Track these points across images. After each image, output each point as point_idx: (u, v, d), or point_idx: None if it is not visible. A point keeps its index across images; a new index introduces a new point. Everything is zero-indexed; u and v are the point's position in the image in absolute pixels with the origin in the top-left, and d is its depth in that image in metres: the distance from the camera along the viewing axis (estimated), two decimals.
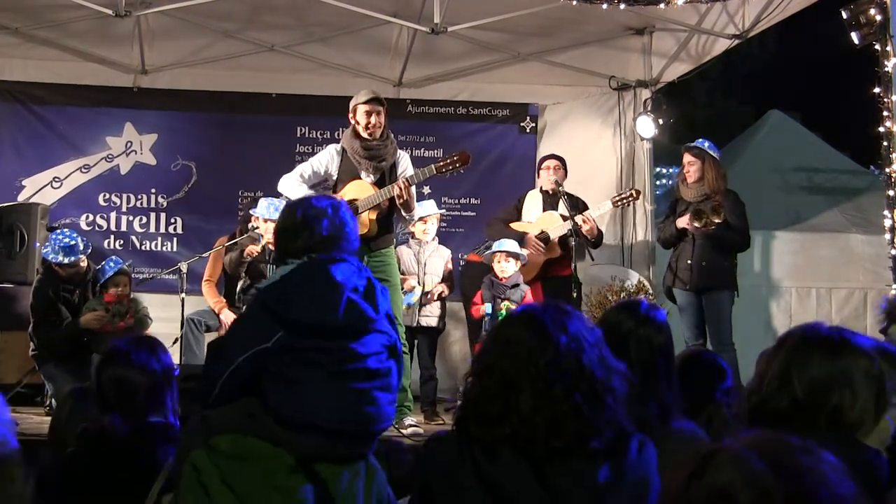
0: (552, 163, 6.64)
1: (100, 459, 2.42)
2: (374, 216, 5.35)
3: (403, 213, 5.44)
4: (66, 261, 5.96)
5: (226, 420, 2.31)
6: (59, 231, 6.25)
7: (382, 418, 2.43)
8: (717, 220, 5.91)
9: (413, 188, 5.37)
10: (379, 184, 5.43)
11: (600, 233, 6.53)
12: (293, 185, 5.47)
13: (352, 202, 5.31)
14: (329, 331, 2.35)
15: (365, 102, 5.41)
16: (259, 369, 2.35)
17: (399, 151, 5.58)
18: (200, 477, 2.20)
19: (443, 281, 6.34)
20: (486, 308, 6.10)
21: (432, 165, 5.41)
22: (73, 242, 6.00)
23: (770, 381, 1.97)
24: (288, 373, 2.32)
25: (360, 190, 5.40)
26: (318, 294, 2.39)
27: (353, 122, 5.48)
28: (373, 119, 5.38)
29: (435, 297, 6.25)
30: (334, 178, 5.52)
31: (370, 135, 5.40)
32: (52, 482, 2.52)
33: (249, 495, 2.18)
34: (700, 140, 6.33)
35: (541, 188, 6.71)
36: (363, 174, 5.45)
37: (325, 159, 5.57)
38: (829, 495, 1.09)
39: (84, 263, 6.13)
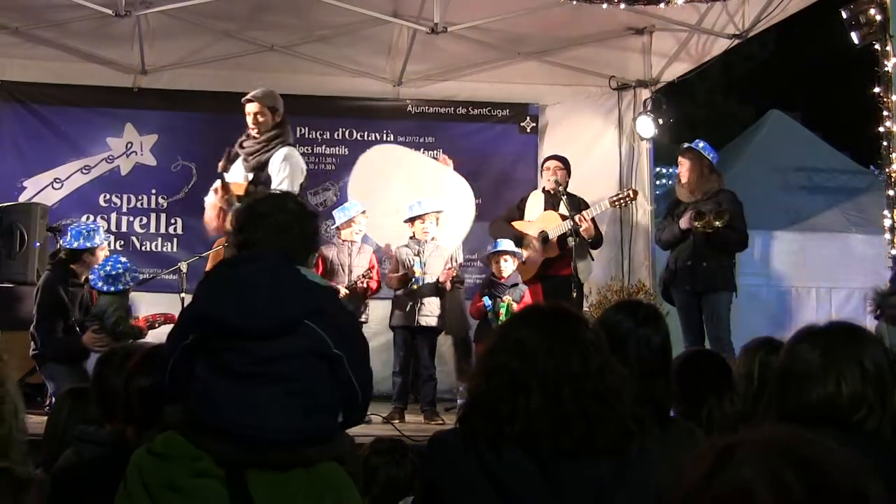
0: (552, 163, 6.66)
1: (123, 466, 2.41)
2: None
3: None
4: (96, 242, 6.03)
5: (170, 418, 2.28)
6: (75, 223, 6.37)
7: (302, 427, 2.24)
8: (717, 223, 5.90)
9: (278, 184, 5.28)
10: (254, 181, 5.40)
11: (599, 233, 6.53)
12: None
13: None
14: (230, 329, 2.25)
15: (244, 102, 5.48)
16: (186, 367, 2.30)
17: (281, 149, 5.41)
18: (127, 474, 2.19)
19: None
20: (486, 300, 6.10)
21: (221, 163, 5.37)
22: (93, 227, 6.16)
23: (820, 376, 1.99)
24: (202, 374, 2.26)
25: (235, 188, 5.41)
26: (222, 291, 2.32)
27: None
28: (249, 119, 5.44)
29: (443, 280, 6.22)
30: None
31: (254, 132, 5.44)
32: (71, 484, 2.51)
33: (157, 495, 2.15)
34: (696, 141, 6.37)
35: (543, 188, 6.73)
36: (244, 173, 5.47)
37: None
38: (853, 493, 1.08)
39: (104, 254, 6.17)
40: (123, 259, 6.12)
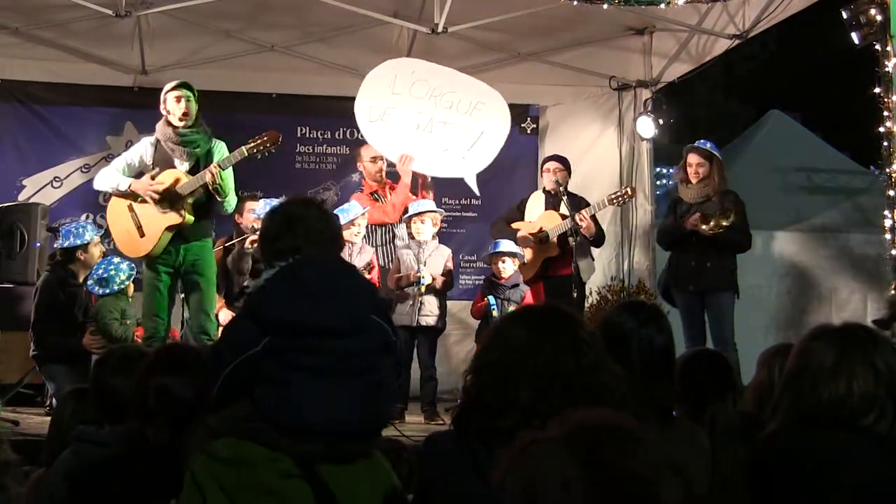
0: (552, 164, 6.66)
1: (143, 464, 2.42)
2: (189, 203, 5.38)
3: (218, 199, 5.39)
4: (86, 239, 6.10)
5: (225, 425, 2.31)
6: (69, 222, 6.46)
7: (376, 417, 2.42)
8: (724, 223, 5.87)
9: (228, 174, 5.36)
10: (193, 171, 5.43)
11: (601, 231, 6.53)
12: (110, 180, 5.55)
13: (170, 190, 5.37)
14: (311, 330, 2.32)
15: (173, 89, 5.47)
16: (252, 374, 2.34)
17: (215, 140, 5.52)
18: (198, 483, 2.20)
19: (442, 275, 6.27)
20: (490, 300, 6.10)
21: (243, 147, 5.36)
22: (83, 224, 6.27)
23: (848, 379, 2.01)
24: (277, 375, 2.30)
25: (174, 178, 5.41)
26: (297, 294, 2.37)
27: (164, 111, 5.52)
28: (182, 105, 5.43)
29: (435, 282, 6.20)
30: (150, 168, 5.52)
31: (181, 120, 5.44)
32: (87, 484, 2.51)
33: (245, 501, 2.17)
34: (702, 141, 6.31)
35: (544, 188, 6.73)
36: (177, 162, 5.47)
37: (140, 151, 5.62)
38: (639, 487, 1.08)
39: (98, 250, 6.21)
40: (117, 260, 6.15)
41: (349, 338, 2.34)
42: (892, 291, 5.36)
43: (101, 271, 6.03)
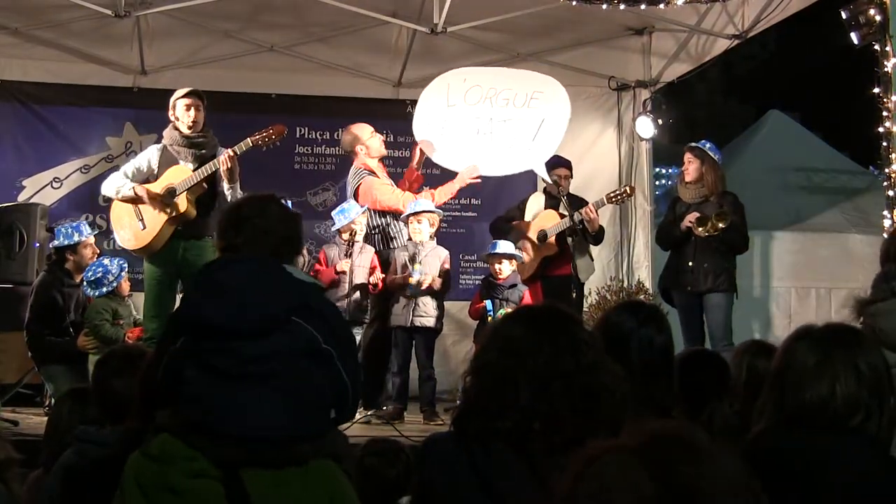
0: (562, 171, 6.64)
1: None
2: (192, 197, 5.41)
3: (226, 184, 5.40)
4: (74, 239, 6.12)
5: (164, 422, 2.28)
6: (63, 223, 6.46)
7: (294, 424, 2.23)
8: (721, 225, 5.91)
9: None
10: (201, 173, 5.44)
11: (601, 227, 6.55)
12: (116, 184, 5.56)
13: (169, 187, 5.40)
14: (217, 331, 2.22)
15: (184, 96, 5.50)
16: (176, 371, 2.30)
17: (220, 148, 5.56)
18: (123, 479, 2.18)
19: (438, 276, 6.26)
20: (488, 304, 6.10)
21: (248, 139, 5.38)
22: (75, 224, 6.27)
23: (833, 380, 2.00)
24: (189, 376, 2.23)
25: (178, 174, 5.43)
26: (203, 293, 2.30)
27: (172, 117, 5.56)
28: (192, 112, 5.47)
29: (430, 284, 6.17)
30: (155, 171, 5.55)
31: (190, 128, 5.48)
32: (88, 483, 2.51)
33: (155, 498, 2.14)
34: (702, 141, 6.33)
35: (544, 189, 6.71)
36: (182, 163, 5.50)
37: (147, 156, 5.65)
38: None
39: (90, 250, 6.22)
40: (106, 261, 6.18)
41: (259, 340, 2.23)
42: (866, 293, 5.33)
43: (90, 274, 6.07)
